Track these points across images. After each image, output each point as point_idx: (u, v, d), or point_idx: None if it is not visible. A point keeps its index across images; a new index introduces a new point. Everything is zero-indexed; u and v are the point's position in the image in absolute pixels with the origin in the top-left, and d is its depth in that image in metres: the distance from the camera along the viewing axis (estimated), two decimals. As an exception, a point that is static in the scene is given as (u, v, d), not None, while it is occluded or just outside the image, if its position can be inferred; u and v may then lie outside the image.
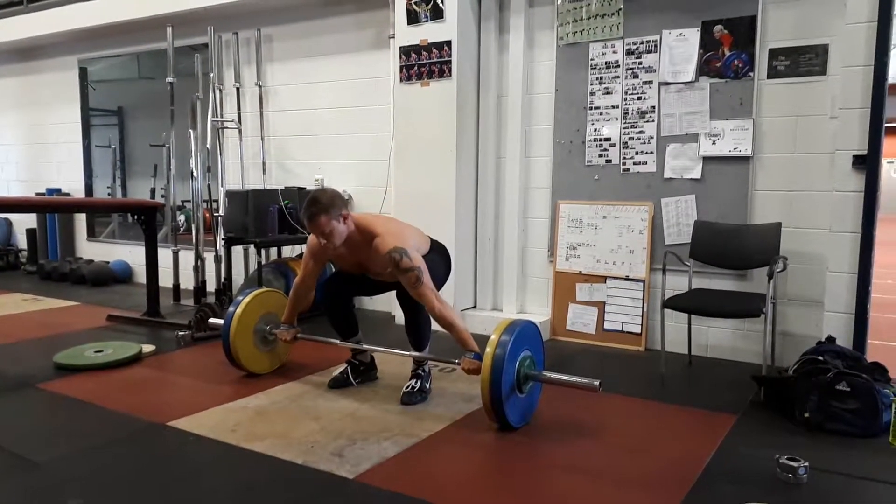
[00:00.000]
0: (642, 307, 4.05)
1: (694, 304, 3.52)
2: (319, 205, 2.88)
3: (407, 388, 3.13)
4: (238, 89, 5.60)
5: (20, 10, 6.64)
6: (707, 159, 3.87)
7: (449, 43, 4.35)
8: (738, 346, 3.84)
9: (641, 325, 4.06)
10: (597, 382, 2.67)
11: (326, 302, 3.27)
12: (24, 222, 7.34)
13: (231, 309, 3.43)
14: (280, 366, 3.61)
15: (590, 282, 4.24)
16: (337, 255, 3.11)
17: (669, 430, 2.85)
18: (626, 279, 4.12)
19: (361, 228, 3.00)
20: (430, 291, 2.87)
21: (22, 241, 7.43)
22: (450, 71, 4.37)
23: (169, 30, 5.30)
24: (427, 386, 3.18)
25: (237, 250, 5.29)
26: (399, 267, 2.85)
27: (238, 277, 5.24)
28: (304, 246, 4.97)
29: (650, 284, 4.05)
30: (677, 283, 3.76)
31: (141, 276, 5.55)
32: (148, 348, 3.93)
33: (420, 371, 3.20)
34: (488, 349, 2.65)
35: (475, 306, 4.67)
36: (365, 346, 3.32)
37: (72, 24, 6.20)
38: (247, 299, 3.44)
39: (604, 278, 4.19)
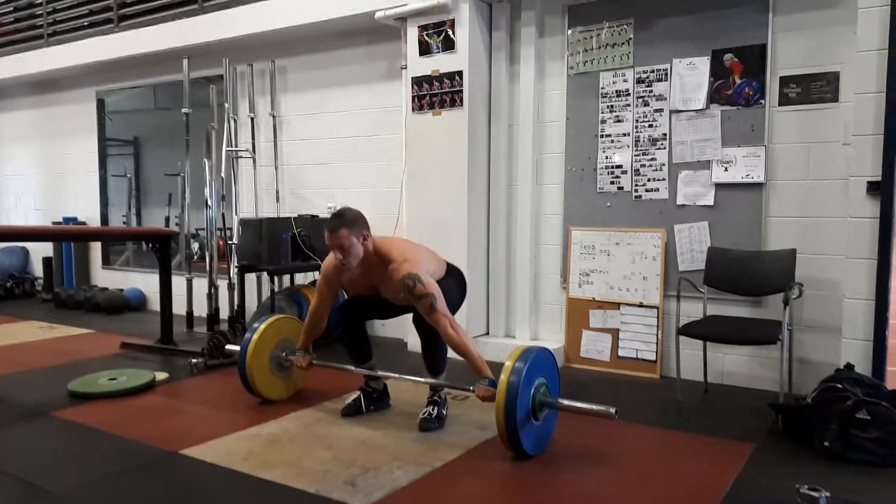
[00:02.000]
0: (657, 334, 4.02)
1: (709, 331, 3.49)
2: (343, 218, 2.92)
3: (424, 414, 3.12)
4: (252, 119, 5.66)
5: (41, 44, 6.79)
6: (720, 186, 3.86)
7: (460, 73, 4.41)
8: (754, 373, 3.79)
9: (656, 352, 4.02)
10: (613, 410, 2.64)
11: (342, 325, 3.27)
12: (40, 251, 7.40)
13: (248, 335, 3.43)
14: (295, 392, 3.59)
15: (603, 308, 4.22)
16: (351, 279, 3.11)
17: (686, 460, 2.81)
18: (640, 306, 4.09)
19: (379, 251, 3.00)
20: (444, 317, 2.86)
21: (38, 269, 7.50)
22: (461, 100, 4.41)
23: (185, 62, 5.39)
24: (444, 412, 3.17)
25: (250, 278, 5.31)
26: (413, 293, 2.85)
27: (251, 305, 5.24)
28: (317, 273, 5.00)
29: (664, 311, 4.02)
30: (692, 310, 3.73)
31: (155, 303, 5.57)
32: (161, 376, 3.93)
33: (437, 398, 3.18)
34: (503, 376, 2.64)
35: (488, 333, 4.65)
36: (379, 374, 3.30)
37: (91, 58, 6.32)
38: (263, 326, 3.44)
39: (617, 305, 4.17)
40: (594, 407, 2.73)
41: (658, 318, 4.03)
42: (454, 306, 3.07)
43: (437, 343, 3.05)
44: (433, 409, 3.13)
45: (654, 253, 4.06)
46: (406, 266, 2.89)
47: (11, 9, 7.23)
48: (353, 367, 3.31)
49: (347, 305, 3.29)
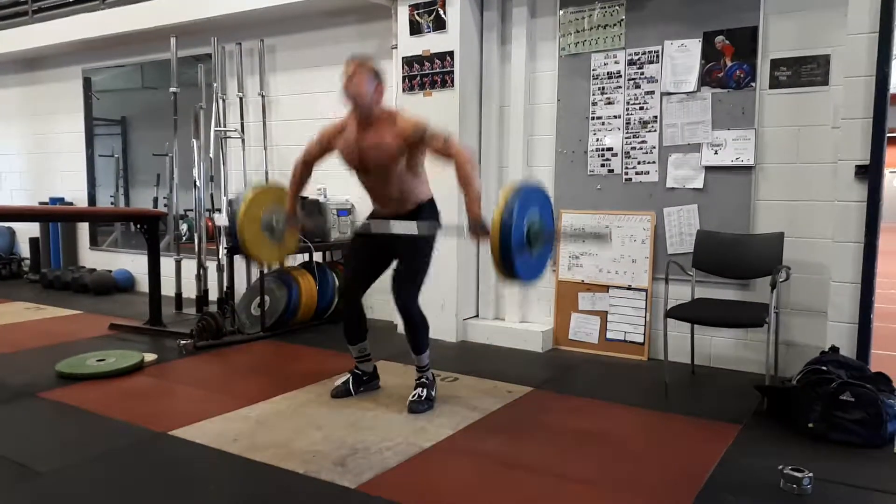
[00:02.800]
0: (645, 317, 4.05)
1: (697, 313, 3.52)
2: (368, 58, 3.01)
3: (413, 396, 3.14)
4: (241, 99, 5.61)
5: (25, 21, 6.67)
6: (709, 169, 3.87)
7: (451, 53, 4.37)
8: (741, 355, 3.83)
9: (644, 334, 4.05)
10: (607, 230, 2.70)
11: (345, 302, 3.30)
12: (27, 231, 7.35)
13: (239, 198, 3.43)
14: (287, 255, 3.54)
15: (592, 291, 4.23)
16: (346, 142, 3.02)
17: (673, 440, 2.84)
18: (629, 288, 4.11)
19: (386, 109, 3.01)
20: (461, 148, 2.90)
21: (25, 250, 7.44)
22: (452, 81, 4.39)
23: (173, 40, 5.31)
24: (432, 394, 3.20)
25: (240, 259, 5.25)
26: (428, 132, 2.90)
27: (240, 286, 5.22)
28: (306, 256, 5.00)
29: (653, 294, 4.04)
30: (680, 293, 3.75)
31: (143, 284, 5.55)
32: (150, 357, 3.93)
33: (424, 379, 3.20)
34: (500, 201, 2.67)
35: (477, 315, 4.66)
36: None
37: (76, 35, 6.23)
38: (251, 193, 3.39)
39: (606, 288, 4.19)
40: (588, 231, 2.90)
41: (646, 300, 4.05)
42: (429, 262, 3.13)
43: (417, 323, 3.12)
44: (422, 391, 3.15)
45: (643, 236, 4.07)
46: (417, 120, 2.95)
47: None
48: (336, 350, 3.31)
49: (347, 285, 3.27)
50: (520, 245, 2.65)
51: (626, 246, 4.12)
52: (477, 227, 2.78)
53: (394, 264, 3.15)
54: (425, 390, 3.17)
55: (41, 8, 6.60)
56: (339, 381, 3.37)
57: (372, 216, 3.20)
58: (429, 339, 3.19)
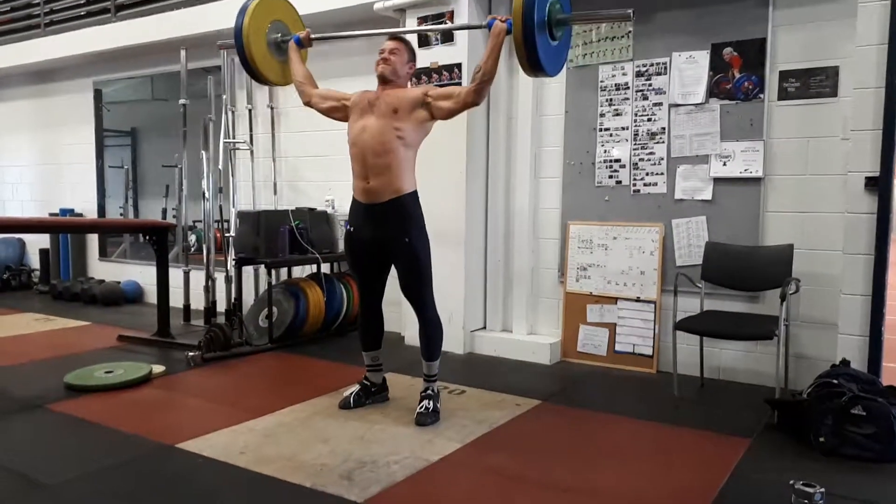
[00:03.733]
0: (654, 329, 4.03)
1: (706, 326, 3.50)
2: (409, 42, 3.21)
3: (420, 408, 3.13)
4: (250, 111, 5.65)
5: (37, 34, 6.76)
6: (718, 180, 3.86)
7: (459, 66, 4.39)
8: (751, 368, 3.80)
9: (653, 347, 4.03)
10: (630, 11, 2.84)
11: (363, 307, 3.31)
12: (36, 242, 7.39)
13: (244, 7, 3.41)
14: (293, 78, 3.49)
15: (600, 303, 4.22)
16: (362, 98, 3.11)
17: (682, 454, 2.82)
18: (638, 300, 4.10)
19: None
20: (469, 89, 2.96)
21: (35, 261, 7.49)
22: (460, 93, 4.40)
23: (183, 52, 5.36)
24: (438, 406, 3.19)
25: (248, 271, 5.29)
26: (437, 90, 3.04)
27: (248, 298, 5.24)
28: (314, 267, 5.01)
29: (661, 306, 4.03)
30: (689, 305, 3.74)
31: (152, 296, 5.57)
32: (158, 369, 3.94)
33: (430, 391, 3.19)
34: None
35: (485, 327, 4.65)
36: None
37: (88, 48, 6.30)
38: (254, 3, 3.39)
39: (615, 299, 4.17)
40: (610, 11, 3.06)
41: (655, 312, 4.04)
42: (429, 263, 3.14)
43: (434, 326, 3.16)
44: (428, 403, 3.14)
45: (651, 248, 4.06)
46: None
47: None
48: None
49: (361, 291, 3.30)
50: (542, 25, 2.78)
51: (634, 258, 4.11)
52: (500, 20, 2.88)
53: (394, 269, 3.16)
54: (432, 402, 3.15)
55: (53, 21, 6.68)
56: (348, 391, 3.36)
57: (354, 212, 3.15)
58: (441, 347, 3.20)
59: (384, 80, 3.08)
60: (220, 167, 5.28)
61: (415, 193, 3.09)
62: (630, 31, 4.10)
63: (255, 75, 3.48)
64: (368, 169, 3.00)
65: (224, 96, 5.39)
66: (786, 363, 3.48)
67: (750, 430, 3.02)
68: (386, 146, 2.97)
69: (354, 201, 3.13)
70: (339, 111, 3.24)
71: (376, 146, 2.97)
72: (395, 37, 3.16)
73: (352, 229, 3.16)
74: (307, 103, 3.35)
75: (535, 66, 2.87)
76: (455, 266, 4.45)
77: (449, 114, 3.04)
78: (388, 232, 3.02)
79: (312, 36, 3.46)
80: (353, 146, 3.06)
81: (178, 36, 5.51)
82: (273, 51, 3.48)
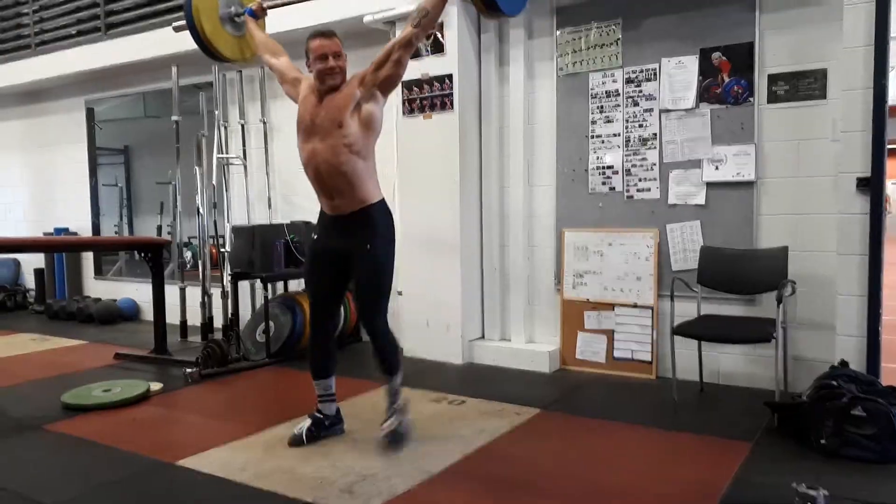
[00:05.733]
0: (652, 334, 4.03)
1: (703, 330, 3.50)
2: (335, 34, 2.88)
3: (387, 428, 2.87)
4: (243, 126, 5.66)
5: (27, 54, 6.75)
6: (711, 185, 3.87)
7: (450, 76, 4.41)
8: (750, 371, 3.80)
9: (651, 352, 4.02)
10: None
11: (311, 329, 3.08)
12: (31, 262, 7.35)
13: None
14: (251, 55, 3.45)
15: (598, 310, 4.22)
16: (305, 103, 2.92)
17: (684, 460, 2.81)
18: (635, 306, 4.09)
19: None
20: (404, 36, 2.77)
21: (30, 281, 7.45)
22: (451, 103, 4.42)
23: (174, 69, 5.37)
24: (406, 420, 2.92)
25: (244, 285, 5.26)
26: (369, 68, 2.82)
27: (245, 312, 5.22)
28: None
29: (659, 311, 4.02)
30: (686, 310, 3.74)
31: (148, 313, 5.53)
32: (156, 386, 3.92)
33: (396, 405, 2.93)
34: None
35: (483, 337, 4.64)
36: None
37: (79, 67, 6.31)
38: None
39: (612, 306, 4.17)
40: None
41: (653, 318, 4.03)
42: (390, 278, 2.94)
43: (386, 342, 2.92)
44: (396, 421, 2.88)
45: (647, 253, 4.06)
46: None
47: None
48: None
49: (311, 309, 3.07)
50: None
51: (629, 263, 4.12)
52: None
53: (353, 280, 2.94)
54: (399, 418, 2.89)
55: (43, 41, 6.68)
56: (299, 426, 3.05)
57: (320, 221, 3.01)
58: (400, 360, 2.97)
59: (326, 84, 2.83)
60: (213, 183, 5.31)
61: (382, 203, 2.91)
62: (619, 39, 4.12)
63: (211, 53, 3.39)
64: (328, 189, 2.85)
65: (216, 112, 5.43)
66: (784, 366, 3.48)
67: (751, 434, 3.01)
68: (341, 166, 2.78)
69: (321, 212, 3.00)
70: (287, 84, 3.09)
71: (331, 168, 2.79)
72: (327, 34, 2.83)
73: (315, 237, 3.03)
74: (262, 59, 3.26)
75: (488, 3, 2.73)
76: (451, 275, 4.45)
77: (394, 77, 2.83)
78: (351, 241, 2.84)
79: (265, 4, 3.38)
80: (307, 169, 2.90)
81: (168, 53, 5.48)
82: (230, 27, 3.40)
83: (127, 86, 6.51)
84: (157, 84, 6.14)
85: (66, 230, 7.03)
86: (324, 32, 2.85)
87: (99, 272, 7.05)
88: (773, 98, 3.71)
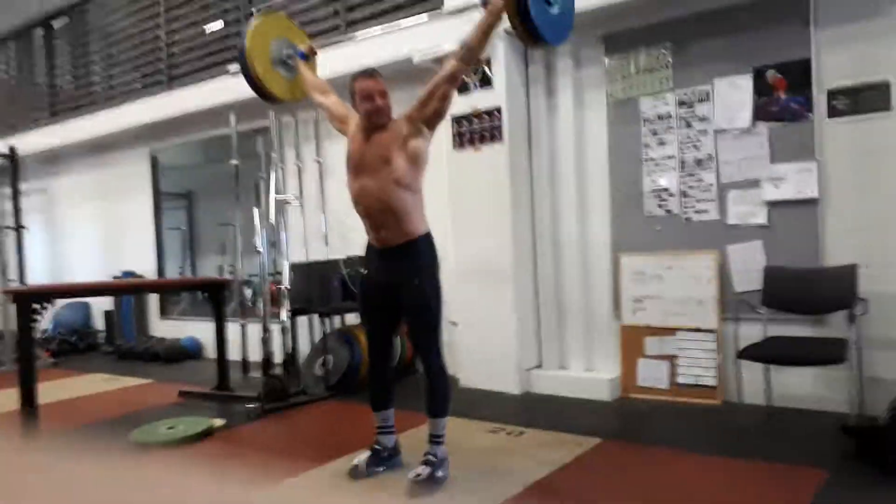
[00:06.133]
0: (716, 359, 3.91)
1: (771, 353, 3.38)
2: (379, 73, 2.92)
3: (415, 475, 2.81)
4: (299, 167, 5.82)
5: (96, 108, 7.13)
6: (771, 204, 3.79)
7: (499, 109, 4.46)
8: (821, 394, 3.64)
9: (716, 377, 3.90)
10: None
11: (370, 364, 3.11)
12: (101, 305, 7.64)
13: (243, 31, 3.47)
14: (303, 95, 3.54)
15: (659, 335, 4.12)
16: (354, 141, 2.96)
17: (753, 490, 2.69)
18: (697, 330, 3.99)
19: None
20: (448, 71, 2.82)
21: (100, 323, 7.73)
22: (501, 135, 4.45)
23: (232, 117, 5.56)
24: (439, 475, 2.84)
25: (302, 321, 5.35)
26: (416, 103, 2.86)
27: (304, 347, 5.30)
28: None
29: (722, 335, 3.91)
30: (751, 333, 3.62)
31: (211, 350, 5.68)
32: (219, 422, 3.98)
33: (432, 456, 2.88)
34: None
35: (540, 366, 4.59)
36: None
37: (144, 118, 6.63)
38: (256, 21, 3.46)
39: (673, 331, 4.07)
40: None
41: (716, 342, 3.92)
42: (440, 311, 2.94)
43: (438, 380, 2.91)
44: (425, 470, 2.82)
45: (707, 276, 3.97)
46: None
47: (70, 77, 7.66)
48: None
49: (368, 346, 3.11)
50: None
51: (690, 287, 4.03)
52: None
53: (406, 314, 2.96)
54: (430, 469, 2.82)
55: (111, 95, 7.05)
56: (358, 458, 3.05)
57: (368, 254, 3.02)
58: (450, 404, 2.94)
59: (372, 122, 2.88)
60: (271, 222, 5.39)
61: (428, 236, 2.93)
62: (669, 62, 4.11)
63: (262, 92, 3.50)
64: (377, 223, 2.88)
65: (273, 154, 5.56)
66: (860, 387, 3.32)
67: (826, 461, 2.87)
68: (390, 202, 2.80)
69: (369, 246, 3.02)
70: (336, 120, 3.17)
71: (380, 203, 2.82)
72: (372, 75, 2.89)
73: (365, 272, 3.04)
74: (312, 99, 3.36)
75: (533, 34, 2.75)
76: (505, 303, 4.44)
77: (440, 112, 2.88)
78: (399, 274, 2.87)
79: (316, 48, 3.56)
80: (357, 205, 2.93)
81: (227, 101, 5.70)
82: (282, 70, 3.52)
83: (188, 133, 6.77)
84: (216, 130, 6.35)
85: (132, 273, 7.28)
86: (368, 72, 2.90)
87: (164, 312, 7.27)
88: (833, 113, 3.62)
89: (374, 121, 2.86)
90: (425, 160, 2.91)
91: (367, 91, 2.84)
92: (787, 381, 3.71)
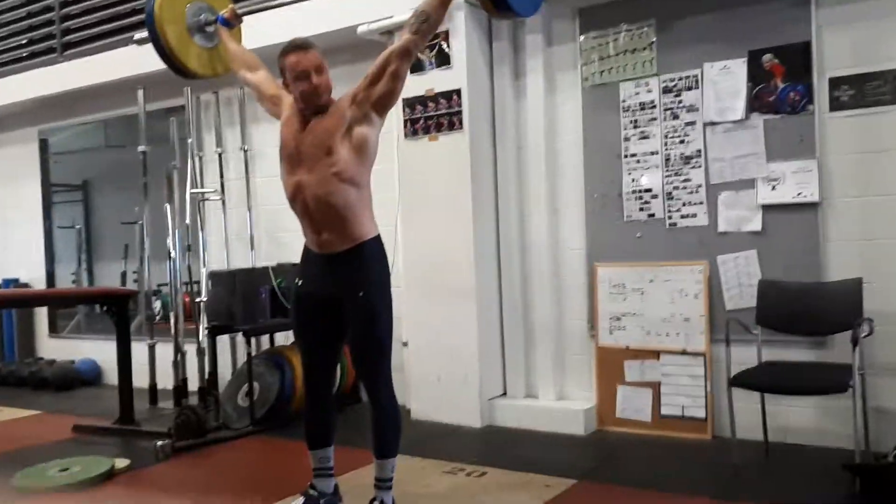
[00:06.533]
0: (705, 386, 3.99)
1: (766, 380, 3.47)
2: (315, 45, 2.85)
3: None
4: (220, 155, 5.74)
5: (-28, 81, 6.91)
6: (767, 208, 3.88)
7: (458, 92, 4.46)
8: (823, 427, 3.75)
9: (706, 407, 3.99)
10: None
11: (305, 392, 3.10)
12: (-26, 320, 7.41)
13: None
14: (225, 70, 3.51)
15: (640, 358, 4.19)
16: (289, 128, 2.93)
17: (749, 537, 2.77)
18: (684, 353, 4.07)
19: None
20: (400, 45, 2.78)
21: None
22: (460, 122, 4.47)
23: (140, 93, 5.47)
24: None
25: (223, 340, 5.30)
26: (362, 83, 2.82)
27: (225, 371, 5.23)
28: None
29: (712, 358, 3.99)
30: (744, 356, 3.70)
31: (112, 376, 5.52)
32: (121, 463, 3.91)
33: (377, 503, 2.92)
34: None
35: (505, 394, 4.62)
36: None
37: (31, 93, 6.44)
38: None
39: (657, 353, 4.14)
40: None
41: (705, 367, 4.00)
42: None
43: (387, 412, 2.92)
44: None
45: (695, 290, 4.05)
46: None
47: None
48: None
49: (303, 368, 3.08)
50: None
51: (676, 303, 4.10)
52: None
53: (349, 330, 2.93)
54: None
55: (-8, 65, 6.84)
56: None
57: (305, 260, 3.01)
58: (399, 441, 2.96)
59: (311, 104, 2.84)
60: (187, 221, 5.35)
61: (377, 240, 2.92)
62: (653, 42, 4.18)
63: (175, 66, 3.45)
64: (317, 224, 2.86)
65: (190, 140, 5.49)
66: (864, 420, 3.42)
67: (828, 502, 2.96)
68: (331, 199, 2.78)
69: (306, 250, 3.00)
70: (267, 101, 3.15)
71: (320, 201, 2.80)
72: (305, 47, 2.81)
73: (300, 283, 3.00)
74: (237, 74, 3.33)
75: (498, 3, 2.79)
76: (465, 320, 4.45)
77: (391, 94, 2.83)
78: (343, 286, 2.84)
79: (239, 10, 3.48)
80: (293, 202, 2.91)
81: (134, 74, 5.58)
82: (199, 38, 3.47)
83: (86, 113, 6.62)
84: (120, 110, 6.24)
85: (15, 282, 7.09)
86: (299, 44, 2.84)
87: (54, 329, 7.07)
88: (836, 105, 3.72)
89: (312, 103, 2.83)
90: (374, 151, 2.88)
91: (301, 67, 2.78)
92: (785, 412, 3.81)
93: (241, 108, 5.64)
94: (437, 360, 4.56)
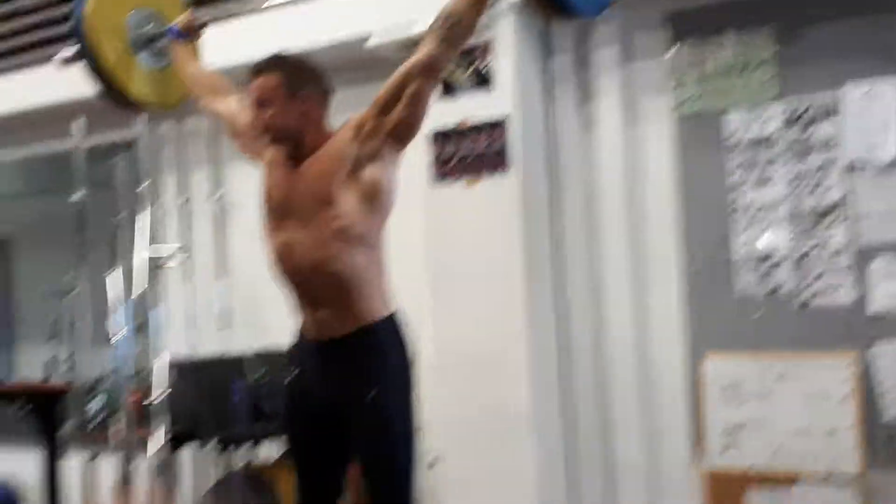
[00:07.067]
0: (860, 527, 3.77)
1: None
2: (285, 60, 2.85)
3: None
4: (184, 205, 5.71)
5: None
6: (938, 279, 3.76)
7: (503, 122, 4.36)
8: None
9: (862, 558, 3.76)
10: None
11: None
12: None
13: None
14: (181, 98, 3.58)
15: (768, 486, 3.93)
16: (272, 208, 2.88)
17: None
18: (828, 480, 3.82)
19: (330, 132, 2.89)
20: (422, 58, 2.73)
21: None
22: (506, 162, 4.36)
23: (77, 123, 5.40)
24: None
25: (188, 453, 5.18)
26: (371, 109, 2.78)
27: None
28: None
29: (870, 486, 3.75)
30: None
31: (36, 501, 5.36)
32: None
33: None
34: None
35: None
36: None
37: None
38: None
39: (790, 479, 3.90)
40: None
41: (861, 498, 3.75)
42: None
43: None
44: None
45: (841, 391, 3.82)
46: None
47: None
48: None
49: (302, 493, 2.98)
50: None
51: (813, 409, 3.89)
52: None
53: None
54: None
55: None
56: None
57: (298, 349, 2.94)
58: None
59: (275, 143, 2.85)
60: (138, 293, 5.24)
61: (392, 320, 2.82)
62: (774, 53, 4.06)
63: (114, 93, 3.45)
64: (311, 298, 2.81)
65: (143, 185, 5.41)
66: None
67: None
68: (332, 264, 2.72)
69: (298, 334, 2.94)
70: (239, 137, 3.18)
71: (317, 270, 2.74)
72: (262, 67, 2.84)
73: (291, 378, 2.95)
74: (199, 103, 3.42)
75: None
76: (518, 462, 4.26)
77: (411, 123, 2.79)
78: (346, 385, 2.76)
79: (198, 22, 3.51)
80: (279, 267, 2.85)
81: (70, 99, 5.46)
82: (147, 56, 3.47)
83: (3, 147, 6.63)
84: (51, 144, 6.23)
85: None
86: (258, 65, 2.83)
87: (-45, 437, 6.96)
88: None
89: (279, 144, 2.82)
90: (388, 199, 2.82)
91: (250, 97, 2.82)
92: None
93: (213, 144, 5.56)
94: (477, 486, 4.33)
